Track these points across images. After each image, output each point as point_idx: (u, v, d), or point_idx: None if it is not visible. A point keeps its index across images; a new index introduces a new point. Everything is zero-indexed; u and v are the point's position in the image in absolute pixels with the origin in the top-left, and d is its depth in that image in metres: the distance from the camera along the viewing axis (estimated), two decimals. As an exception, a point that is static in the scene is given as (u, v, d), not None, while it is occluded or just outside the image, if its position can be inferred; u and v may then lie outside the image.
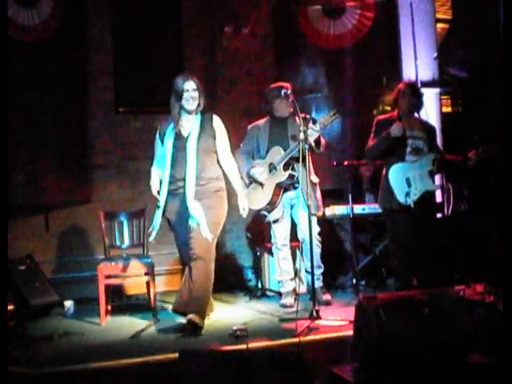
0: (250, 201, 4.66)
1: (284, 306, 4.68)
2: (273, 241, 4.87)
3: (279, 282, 4.87)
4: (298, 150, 4.27)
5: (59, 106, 5.47)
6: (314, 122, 4.46)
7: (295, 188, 4.65)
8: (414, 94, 4.60)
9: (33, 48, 5.34)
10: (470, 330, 2.97)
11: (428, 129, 4.69)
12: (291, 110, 4.63)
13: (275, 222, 4.76)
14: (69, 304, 4.81)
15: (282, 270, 4.82)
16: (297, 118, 4.48)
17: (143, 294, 4.74)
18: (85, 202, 5.59)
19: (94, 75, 5.71)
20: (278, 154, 4.65)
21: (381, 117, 4.78)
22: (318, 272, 4.70)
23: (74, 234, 5.59)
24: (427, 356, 2.82)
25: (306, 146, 4.23)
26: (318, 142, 4.50)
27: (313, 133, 4.39)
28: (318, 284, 4.65)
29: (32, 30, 5.33)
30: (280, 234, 4.79)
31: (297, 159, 4.42)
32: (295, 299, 4.63)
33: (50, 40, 5.38)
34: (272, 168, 4.68)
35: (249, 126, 4.91)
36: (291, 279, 4.82)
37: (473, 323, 3.03)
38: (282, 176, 4.62)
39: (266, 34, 6.04)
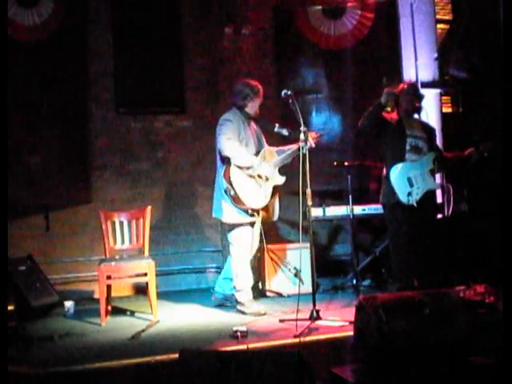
0: (245, 197, 4.32)
1: (257, 314, 4.39)
2: (239, 244, 4.50)
3: (239, 290, 4.51)
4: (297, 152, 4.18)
5: (59, 107, 5.47)
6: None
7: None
8: (415, 95, 4.61)
9: (33, 48, 5.35)
10: (470, 330, 2.97)
11: (428, 130, 4.70)
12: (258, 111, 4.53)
13: (248, 225, 4.46)
14: (69, 304, 4.80)
15: (249, 276, 4.56)
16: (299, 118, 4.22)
17: (143, 294, 4.73)
18: (85, 203, 5.59)
19: (94, 75, 5.72)
20: (273, 156, 4.44)
21: (380, 117, 4.77)
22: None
23: (74, 234, 5.59)
24: (427, 356, 2.82)
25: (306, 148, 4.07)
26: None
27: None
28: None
29: (32, 30, 5.34)
30: (249, 239, 4.51)
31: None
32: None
33: (50, 40, 5.39)
34: None
35: (229, 117, 4.45)
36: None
37: (473, 323, 3.03)
38: (280, 180, 4.45)
39: (266, 34, 6.04)
